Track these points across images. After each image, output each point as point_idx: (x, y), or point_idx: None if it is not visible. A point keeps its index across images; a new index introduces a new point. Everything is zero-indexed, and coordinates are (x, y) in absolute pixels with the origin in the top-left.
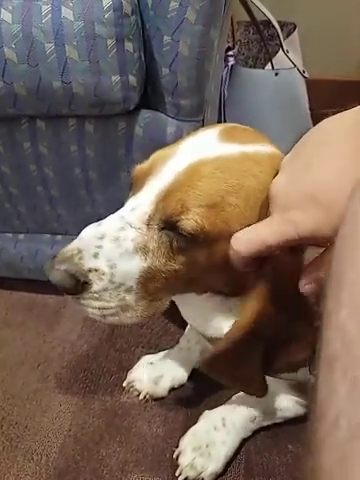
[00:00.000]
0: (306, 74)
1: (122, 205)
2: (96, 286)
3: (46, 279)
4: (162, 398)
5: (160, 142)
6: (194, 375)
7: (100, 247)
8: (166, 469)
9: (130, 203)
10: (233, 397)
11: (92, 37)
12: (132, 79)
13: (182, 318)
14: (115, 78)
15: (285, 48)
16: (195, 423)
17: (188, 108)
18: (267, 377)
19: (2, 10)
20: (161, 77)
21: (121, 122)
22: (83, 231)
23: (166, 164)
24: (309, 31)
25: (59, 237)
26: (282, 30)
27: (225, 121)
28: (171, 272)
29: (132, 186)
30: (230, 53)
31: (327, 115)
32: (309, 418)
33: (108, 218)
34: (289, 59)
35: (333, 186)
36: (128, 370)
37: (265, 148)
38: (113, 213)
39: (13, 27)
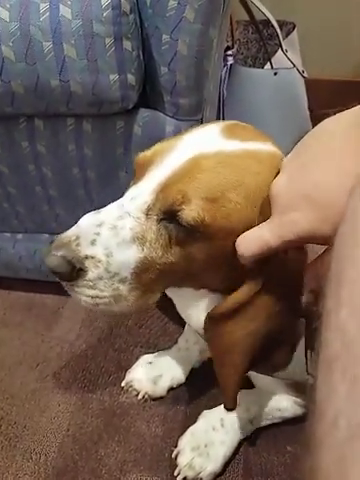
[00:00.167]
0: (305, 74)
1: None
2: (91, 274)
3: (45, 279)
4: (161, 398)
5: (159, 141)
6: (193, 375)
7: (98, 234)
8: (165, 469)
9: (130, 192)
10: None
11: (90, 35)
12: (130, 78)
13: (181, 318)
14: (113, 77)
15: (284, 48)
16: (194, 423)
17: (187, 107)
18: (265, 377)
19: (0, 8)
20: (160, 76)
21: (119, 121)
22: (82, 218)
23: (168, 155)
24: (308, 31)
25: None
26: (281, 30)
27: (224, 120)
28: (167, 265)
29: (134, 174)
30: (229, 52)
31: (326, 115)
32: (308, 418)
33: (108, 206)
34: (288, 59)
35: (331, 186)
36: (127, 370)
37: (266, 146)
38: None
39: (11, 25)
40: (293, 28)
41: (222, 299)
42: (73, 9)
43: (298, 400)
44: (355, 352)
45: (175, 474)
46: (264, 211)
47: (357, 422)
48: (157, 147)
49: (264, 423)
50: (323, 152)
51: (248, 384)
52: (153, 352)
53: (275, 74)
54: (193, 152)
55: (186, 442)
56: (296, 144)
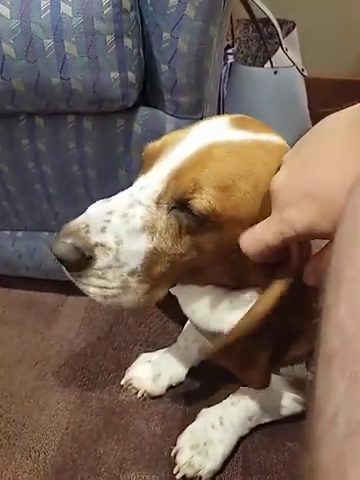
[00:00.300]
0: (305, 72)
1: None
2: (101, 262)
3: (44, 277)
4: (160, 396)
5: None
6: (192, 373)
7: (108, 221)
8: (164, 467)
9: (139, 182)
10: (231, 395)
11: (91, 33)
12: (131, 76)
13: (180, 316)
14: (114, 75)
15: (284, 46)
16: (193, 421)
17: (187, 105)
18: None
19: (0, 5)
20: (160, 74)
21: (120, 119)
22: (90, 207)
23: (178, 145)
24: (308, 29)
25: None
26: (281, 28)
27: None
28: (176, 256)
29: (142, 164)
30: (229, 51)
31: (326, 114)
32: (307, 415)
33: (116, 195)
34: (288, 57)
35: (331, 183)
36: (126, 368)
37: (274, 138)
38: None
39: (11, 22)
40: (293, 27)
41: (226, 294)
42: (74, 6)
43: (297, 397)
44: (354, 349)
45: (174, 472)
46: (269, 204)
47: (356, 419)
48: (166, 138)
49: (263, 421)
50: (324, 149)
51: None
52: (152, 350)
53: (275, 73)
54: (204, 142)
55: (185, 440)
56: (296, 142)
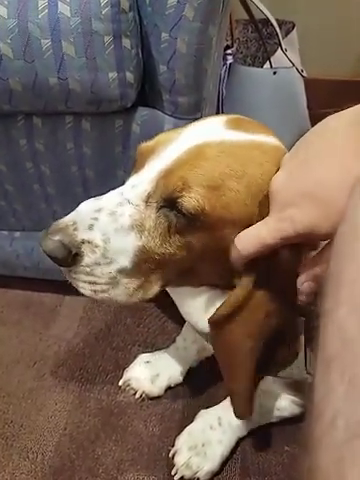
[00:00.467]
0: (304, 73)
1: None
2: (88, 259)
3: (42, 277)
4: (158, 397)
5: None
6: (190, 374)
7: (96, 219)
8: (162, 468)
9: (131, 180)
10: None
11: (89, 33)
12: (129, 76)
13: (179, 317)
14: (112, 75)
15: (284, 47)
16: (191, 422)
17: (186, 106)
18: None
19: None
20: (159, 74)
21: (118, 120)
22: (81, 204)
23: (170, 145)
24: (308, 30)
25: None
26: (281, 29)
27: None
28: (166, 255)
29: (135, 164)
30: (229, 51)
31: (325, 114)
32: (306, 418)
33: (108, 193)
34: (287, 58)
35: (332, 183)
36: (124, 369)
37: (271, 139)
38: None
39: (9, 22)
40: (292, 27)
41: (221, 296)
42: (72, 6)
43: (296, 399)
44: (354, 351)
45: (172, 473)
46: (264, 205)
47: (355, 422)
48: (160, 137)
49: (262, 422)
50: (325, 149)
51: None
52: (151, 351)
53: (274, 73)
54: (196, 141)
55: (183, 441)
56: (295, 143)
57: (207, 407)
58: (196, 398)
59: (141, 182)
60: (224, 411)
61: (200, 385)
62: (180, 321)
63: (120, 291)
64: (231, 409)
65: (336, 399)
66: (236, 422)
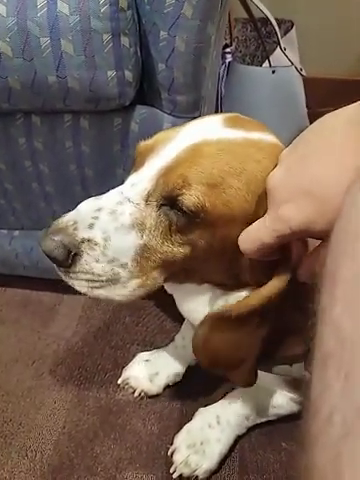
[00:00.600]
0: (303, 72)
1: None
2: (87, 256)
3: (41, 276)
4: (157, 395)
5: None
6: (189, 373)
7: (96, 218)
8: (160, 466)
9: (131, 179)
10: (227, 395)
11: (88, 31)
12: (128, 74)
13: (178, 316)
14: (111, 73)
15: (282, 46)
16: (190, 420)
17: (184, 104)
18: (262, 373)
19: None
20: (157, 73)
21: (117, 118)
22: (81, 204)
23: (169, 143)
24: (307, 29)
25: None
26: (280, 28)
27: None
28: (167, 254)
29: (134, 162)
30: (228, 50)
31: (324, 113)
32: (303, 415)
33: (108, 192)
34: (286, 57)
35: (330, 181)
36: (123, 367)
37: (268, 137)
38: None
39: (8, 20)
40: (291, 26)
41: (223, 294)
42: (71, 5)
43: (294, 397)
44: (350, 349)
45: (171, 472)
46: (263, 202)
47: (352, 419)
48: (158, 136)
49: (260, 420)
50: (323, 147)
51: None
52: (150, 350)
53: (273, 72)
54: (195, 139)
55: (182, 440)
56: (293, 141)
57: (206, 405)
58: (195, 396)
59: (141, 180)
60: (223, 409)
61: (199, 383)
62: (179, 320)
63: (118, 289)
64: (230, 407)
65: (332, 396)
66: (234, 420)
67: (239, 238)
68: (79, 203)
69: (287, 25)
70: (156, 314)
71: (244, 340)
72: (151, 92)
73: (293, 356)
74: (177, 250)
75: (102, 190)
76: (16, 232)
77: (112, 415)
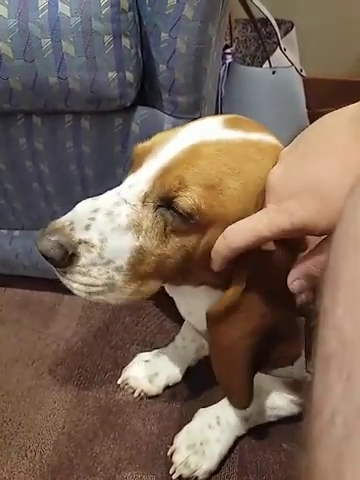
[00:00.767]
0: (303, 73)
1: None
2: (84, 259)
3: (41, 276)
4: (157, 396)
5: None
6: (189, 373)
7: (93, 219)
8: (160, 467)
9: (128, 180)
10: None
11: (89, 33)
12: (129, 75)
13: (178, 316)
14: (112, 74)
15: (283, 46)
16: (190, 421)
17: (185, 105)
18: (262, 375)
19: None
20: (158, 74)
21: (117, 119)
22: (78, 204)
23: (167, 144)
24: (307, 30)
25: None
26: (280, 28)
27: None
28: (162, 256)
29: (132, 164)
30: (228, 51)
31: (324, 114)
32: (304, 416)
33: (105, 193)
34: (286, 57)
35: (333, 179)
36: (123, 367)
37: (268, 138)
38: None
39: (9, 22)
40: (291, 27)
41: (221, 294)
42: (72, 6)
43: (294, 399)
44: (351, 350)
45: (170, 472)
46: (261, 201)
47: (353, 420)
48: (156, 137)
49: (260, 421)
50: (325, 145)
51: None
52: (150, 350)
53: (273, 73)
54: (193, 140)
55: (182, 440)
56: (293, 140)
57: (206, 406)
58: (195, 397)
59: (138, 182)
60: (223, 410)
61: (199, 384)
62: (179, 320)
63: (116, 294)
64: (230, 408)
65: (334, 397)
66: (234, 421)
67: (227, 229)
68: (79, 202)
69: (287, 26)
70: (156, 314)
71: (234, 364)
72: (152, 93)
73: (285, 358)
74: (172, 252)
75: (102, 190)
76: (16, 232)
77: (112, 415)
